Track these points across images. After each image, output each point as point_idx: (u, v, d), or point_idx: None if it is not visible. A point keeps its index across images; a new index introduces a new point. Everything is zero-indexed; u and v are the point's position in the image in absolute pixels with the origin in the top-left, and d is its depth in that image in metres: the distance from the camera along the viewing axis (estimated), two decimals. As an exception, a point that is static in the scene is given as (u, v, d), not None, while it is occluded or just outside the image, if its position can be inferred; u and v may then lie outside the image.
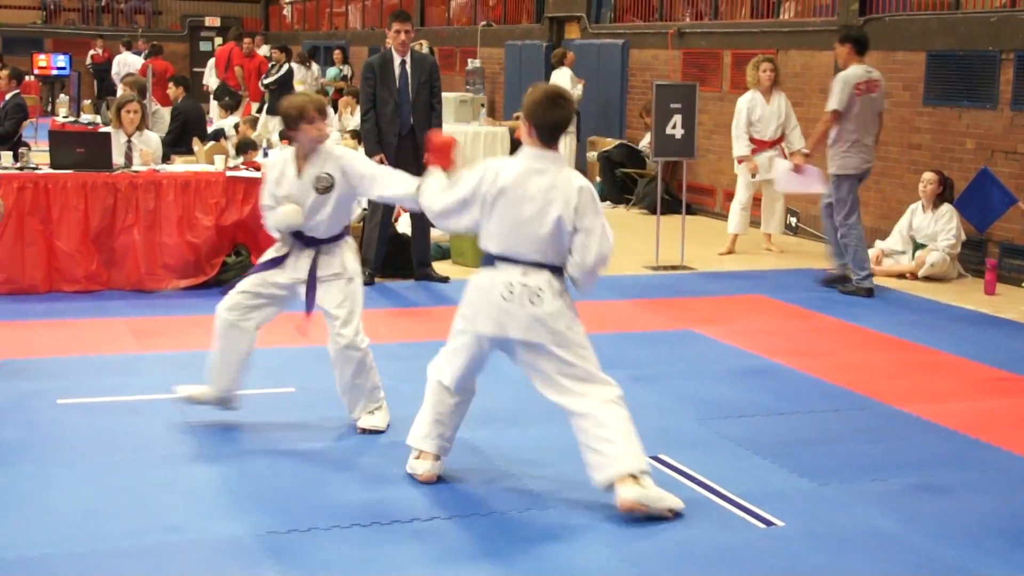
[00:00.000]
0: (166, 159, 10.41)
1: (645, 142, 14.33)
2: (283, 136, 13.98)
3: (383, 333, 7.56)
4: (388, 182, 5.63)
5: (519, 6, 19.15)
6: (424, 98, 9.23)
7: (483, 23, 19.45)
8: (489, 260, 4.85)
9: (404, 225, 9.91)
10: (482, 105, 16.89)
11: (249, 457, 5.34)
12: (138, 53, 21.77)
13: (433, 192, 4.99)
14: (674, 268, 10.39)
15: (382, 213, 9.33)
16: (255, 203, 9.00)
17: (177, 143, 12.41)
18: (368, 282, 9.32)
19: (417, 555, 4.34)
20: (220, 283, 8.92)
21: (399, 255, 9.62)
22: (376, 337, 7.47)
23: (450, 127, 14.07)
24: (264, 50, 21.25)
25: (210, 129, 14.48)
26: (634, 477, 4.69)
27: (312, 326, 5.69)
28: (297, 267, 5.70)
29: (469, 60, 18.76)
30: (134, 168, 9.14)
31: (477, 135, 15.59)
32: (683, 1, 15.22)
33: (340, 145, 5.70)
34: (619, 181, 14.65)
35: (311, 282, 5.66)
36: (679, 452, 5.48)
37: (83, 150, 8.88)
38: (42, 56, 24.40)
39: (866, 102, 9.25)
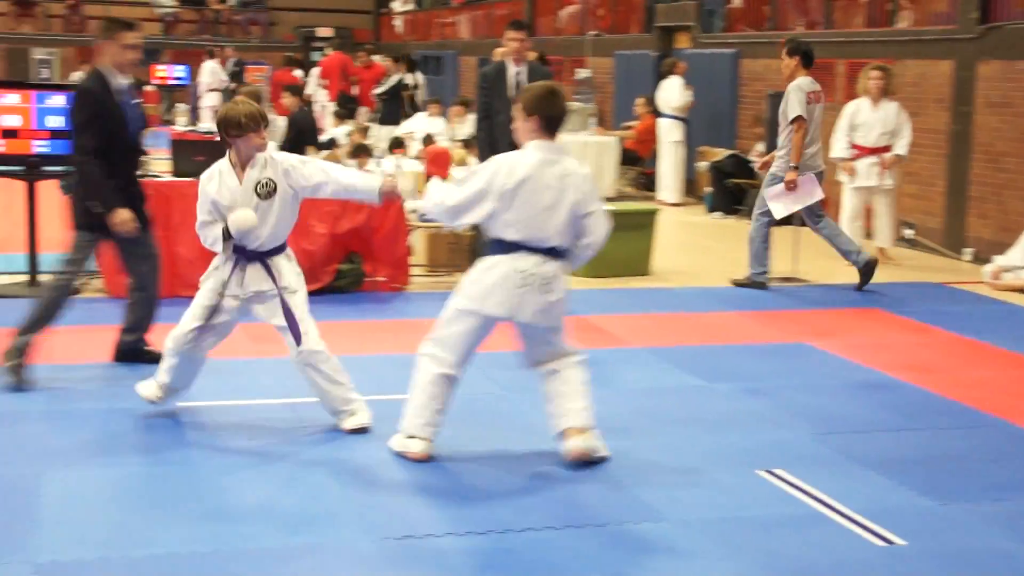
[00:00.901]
0: (281, 167, 10.60)
1: (756, 153, 14.19)
2: (393, 146, 14.16)
3: (493, 342, 7.59)
4: (340, 175, 5.79)
5: (628, 16, 19.11)
6: (537, 108, 9.24)
7: (592, 33, 19.44)
8: (503, 248, 5.23)
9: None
10: (591, 115, 16.87)
11: (366, 463, 5.39)
12: (242, 66, 22.15)
13: (443, 191, 5.38)
14: (787, 280, 10.26)
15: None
16: (369, 211, 9.11)
17: (291, 151, 12.58)
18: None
19: (531, 566, 4.34)
20: (335, 290, 9.04)
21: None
22: (488, 346, 7.52)
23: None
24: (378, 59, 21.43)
25: (323, 137, 14.69)
26: (581, 431, 5.30)
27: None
28: (245, 282, 5.73)
29: (578, 70, 18.75)
30: (252, 176, 9.30)
31: (587, 145, 15.56)
32: (796, 10, 15.05)
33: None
34: (729, 192, 14.54)
35: (282, 301, 5.68)
36: (795, 467, 5.41)
37: (203, 158, 9.02)
38: (160, 66, 24.96)
39: (813, 109, 9.64)
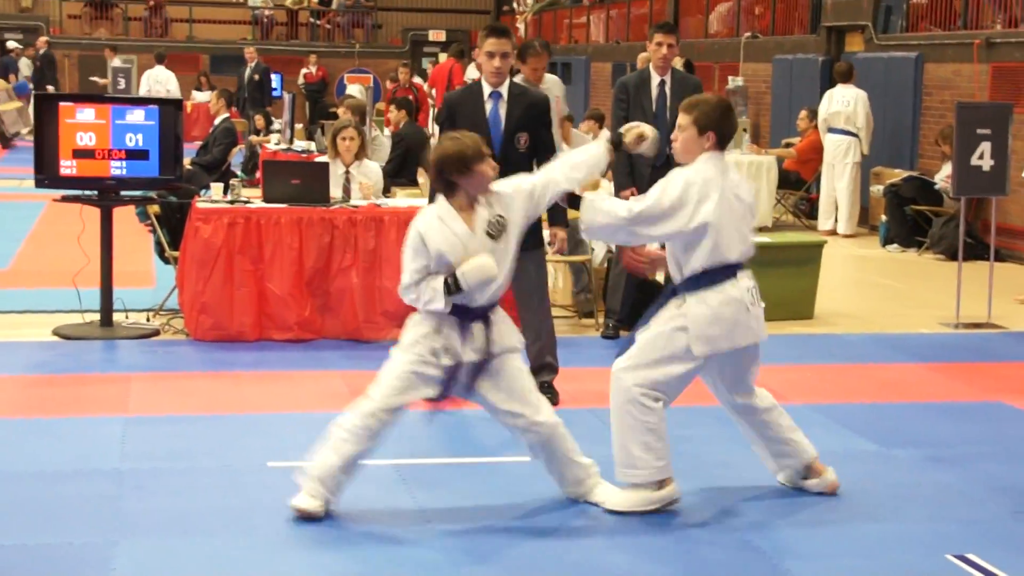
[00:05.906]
0: (387, 191, 10.65)
1: (943, 175, 13.96)
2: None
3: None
4: (558, 176, 5.64)
5: (790, 14, 18.99)
6: (684, 124, 9.17)
7: (747, 34, 19.37)
8: (724, 273, 5.55)
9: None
10: (744, 130, 16.77)
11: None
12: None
13: (620, 203, 5.61)
14: (978, 326, 10.04)
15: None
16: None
17: (399, 173, 12.68)
18: (611, 335, 9.31)
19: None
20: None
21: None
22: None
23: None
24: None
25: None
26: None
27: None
28: (460, 348, 5.46)
29: (730, 78, 18.68)
30: (353, 202, 9.38)
31: (739, 165, 15.43)
32: (993, 5, 14.80)
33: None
34: (909, 220, 14.31)
35: (480, 365, 5.48)
36: (991, 551, 5.27)
37: (298, 182, 9.14)
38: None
39: None
